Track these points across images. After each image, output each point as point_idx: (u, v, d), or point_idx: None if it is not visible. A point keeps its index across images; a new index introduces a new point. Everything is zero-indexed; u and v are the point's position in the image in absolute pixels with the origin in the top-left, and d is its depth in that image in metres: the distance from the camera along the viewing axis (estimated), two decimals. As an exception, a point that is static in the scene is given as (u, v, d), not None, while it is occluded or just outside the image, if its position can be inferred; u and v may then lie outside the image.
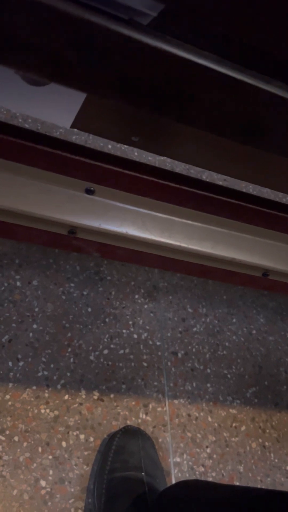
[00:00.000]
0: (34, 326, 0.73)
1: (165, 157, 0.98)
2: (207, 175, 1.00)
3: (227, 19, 0.27)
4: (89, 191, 0.52)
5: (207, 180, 0.55)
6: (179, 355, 0.81)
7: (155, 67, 0.30)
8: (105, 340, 0.77)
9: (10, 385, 0.67)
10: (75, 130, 0.99)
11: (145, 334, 0.80)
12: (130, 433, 0.64)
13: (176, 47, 0.30)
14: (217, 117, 0.32)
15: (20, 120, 0.91)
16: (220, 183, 0.94)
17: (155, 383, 0.76)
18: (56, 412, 0.67)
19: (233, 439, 0.77)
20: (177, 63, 0.30)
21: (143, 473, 0.59)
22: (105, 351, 0.76)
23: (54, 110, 0.42)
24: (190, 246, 0.57)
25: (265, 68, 0.28)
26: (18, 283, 0.76)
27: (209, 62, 0.29)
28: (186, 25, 0.28)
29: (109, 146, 0.97)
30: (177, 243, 0.56)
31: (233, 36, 0.28)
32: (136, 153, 0.99)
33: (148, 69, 0.30)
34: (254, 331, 0.91)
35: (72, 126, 0.44)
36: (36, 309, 0.75)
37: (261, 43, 0.27)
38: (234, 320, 0.90)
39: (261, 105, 0.30)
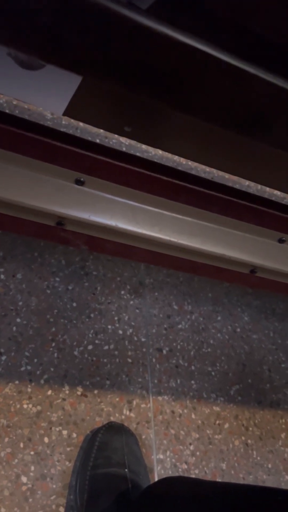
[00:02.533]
0: (18, 320, 0.72)
1: (153, 154, 0.97)
2: (195, 172, 0.99)
3: (230, 5, 0.27)
4: (79, 182, 0.51)
5: (198, 175, 0.55)
6: (164, 351, 0.81)
7: (153, 51, 0.29)
8: (90, 335, 0.76)
9: (-8, 379, 0.65)
10: (63, 122, 0.97)
11: (130, 330, 0.80)
12: (114, 429, 0.63)
13: (176, 32, 0.29)
14: (216, 106, 0.31)
15: (7, 110, 0.90)
16: (210, 178, 0.94)
17: (140, 380, 0.76)
18: (39, 407, 0.66)
19: (216, 436, 0.77)
20: (176, 48, 0.29)
21: (126, 470, 0.58)
22: (90, 347, 0.75)
23: (47, 96, 0.41)
24: (180, 241, 0.56)
25: (268, 58, 0.28)
26: (2, 276, 0.74)
27: (210, 49, 0.29)
28: (188, 10, 0.28)
29: (97, 141, 0.96)
30: (167, 238, 0.55)
31: (237, 23, 0.27)
32: (124, 149, 0.98)
33: (146, 53, 0.29)
34: (238, 329, 0.91)
35: (64, 114, 0.44)
36: (20, 303, 0.73)
37: (265, 32, 0.26)
38: (219, 318, 0.90)
39: (261, 96, 0.30)
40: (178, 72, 0.30)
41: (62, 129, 0.98)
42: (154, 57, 0.29)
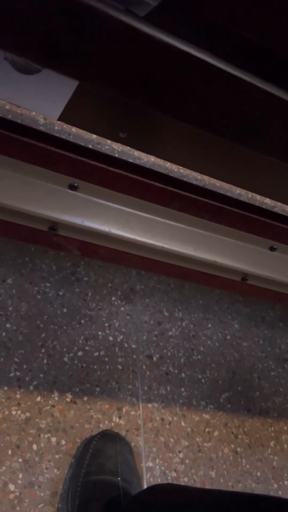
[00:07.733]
0: (8, 325, 0.71)
1: (147, 160, 0.97)
2: (187, 179, 1.00)
3: (228, 14, 0.27)
4: (72, 187, 0.51)
5: (190, 182, 0.55)
6: (154, 358, 0.81)
7: (149, 58, 0.30)
8: (80, 341, 0.75)
9: (-19, 385, 0.65)
10: (56, 128, 0.97)
11: (121, 337, 0.79)
12: (109, 437, 0.63)
13: (172, 39, 0.29)
14: (210, 113, 0.31)
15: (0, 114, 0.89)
16: (202, 185, 0.94)
17: (129, 386, 0.75)
18: (28, 414, 0.65)
19: (205, 444, 0.77)
20: (173, 55, 0.29)
21: (119, 478, 0.58)
22: (80, 353, 0.74)
23: (42, 101, 0.41)
24: (172, 248, 0.56)
25: (264, 66, 0.28)
26: (-8, 281, 0.74)
27: (205, 56, 0.29)
28: (185, 18, 0.28)
29: (90, 146, 0.96)
30: (159, 244, 0.55)
31: (233, 32, 0.28)
32: (116, 155, 0.99)
33: (143, 60, 0.30)
34: (228, 337, 0.92)
35: (60, 119, 0.44)
36: (10, 308, 0.73)
37: (261, 40, 0.27)
38: (209, 325, 0.90)
39: (255, 103, 0.30)
40: (174, 79, 0.30)
41: (55, 135, 0.98)
42: (150, 63, 0.30)
